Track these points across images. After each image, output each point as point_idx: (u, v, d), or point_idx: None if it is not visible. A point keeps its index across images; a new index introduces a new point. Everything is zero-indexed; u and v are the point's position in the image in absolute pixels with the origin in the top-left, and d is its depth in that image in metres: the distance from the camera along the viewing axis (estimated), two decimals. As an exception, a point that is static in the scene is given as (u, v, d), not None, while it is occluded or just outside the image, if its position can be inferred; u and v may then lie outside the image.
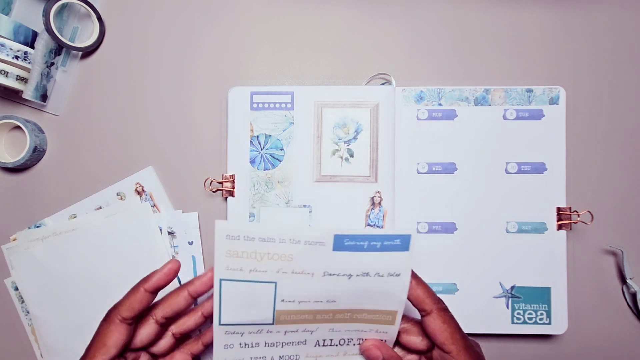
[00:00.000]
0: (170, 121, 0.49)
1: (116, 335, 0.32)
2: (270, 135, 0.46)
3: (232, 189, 0.46)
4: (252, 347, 0.34)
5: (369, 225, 0.46)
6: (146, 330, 0.33)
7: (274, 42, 0.49)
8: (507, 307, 0.45)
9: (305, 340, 0.34)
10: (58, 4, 0.45)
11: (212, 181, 0.47)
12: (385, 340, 0.35)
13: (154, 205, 0.48)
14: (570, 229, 0.45)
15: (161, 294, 0.35)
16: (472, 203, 0.45)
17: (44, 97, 0.47)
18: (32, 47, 0.46)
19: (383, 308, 0.33)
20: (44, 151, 0.49)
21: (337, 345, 0.35)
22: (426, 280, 0.33)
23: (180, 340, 0.37)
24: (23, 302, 0.48)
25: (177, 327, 0.35)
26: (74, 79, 0.49)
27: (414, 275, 0.34)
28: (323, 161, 0.46)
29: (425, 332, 0.34)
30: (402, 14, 0.49)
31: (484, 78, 0.48)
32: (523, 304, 0.45)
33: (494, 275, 0.45)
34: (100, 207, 0.48)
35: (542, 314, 0.44)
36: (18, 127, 0.47)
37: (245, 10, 0.49)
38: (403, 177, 0.45)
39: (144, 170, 0.48)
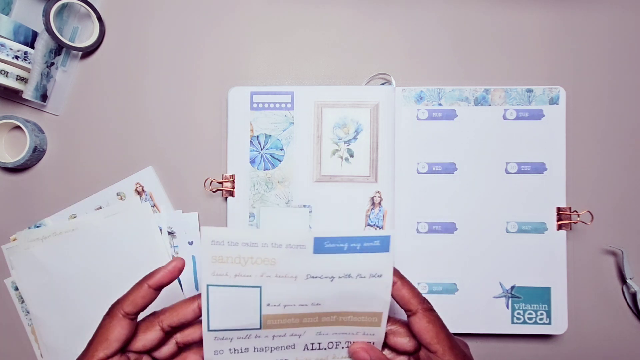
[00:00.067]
0: (170, 121, 0.49)
1: (119, 330, 0.32)
2: (270, 135, 0.46)
3: (232, 189, 0.46)
4: (241, 352, 0.34)
5: (369, 225, 0.46)
6: (151, 336, 0.34)
7: (274, 42, 0.49)
8: (507, 307, 0.45)
9: (294, 345, 0.35)
10: (58, 4, 0.45)
11: (212, 181, 0.47)
12: (373, 343, 0.35)
13: (154, 205, 0.48)
14: (570, 229, 0.45)
15: (164, 294, 0.35)
16: (472, 203, 0.45)
17: (44, 97, 0.47)
18: (32, 47, 0.46)
19: (368, 310, 0.33)
20: (44, 151, 0.49)
21: (325, 348, 0.35)
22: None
23: (183, 348, 0.37)
24: (23, 302, 0.48)
25: (182, 337, 0.35)
26: (74, 79, 0.49)
27: (399, 276, 0.34)
28: (323, 161, 0.46)
29: (412, 333, 0.34)
30: (402, 14, 0.49)
31: (484, 78, 0.48)
32: (523, 304, 0.45)
33: (494, 275, 0.45)
34: (100, 207, 0.48)
35: (542, 314, 0.44)
36: (18, 127, 0.47)
37: (245, 10, 0.49)
38: (403, 177, 0.45)
39: (144, 170, 0.48)
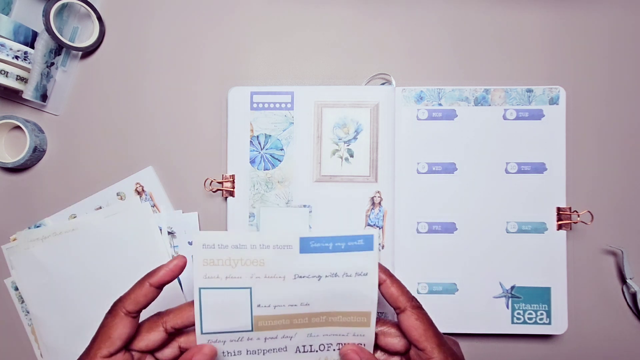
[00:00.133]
0: (170, 121, 0.49)
1: (121, 328, 0.32)
2: (270, 135, 0.46)
3: (232, 189, 0.46)
4: (234, 355, 0.35)
5: (369, 225, 0.46)
6: (154, 336, 0.34)
7: (274, 42, 0.49)
8: (507, 307, 0.45)
9: (286, 347, 0.35)
10: (58, 4, 0.45)
11: (212, 181, 0.47)
12: (364, 345, 0.35)
13: (154, 205, 0.48)
14: (570, 229, 0.45)
15: (163, 293, 0.35)
16: (472, 203, 0.45)
17: (44, 97, 0.47)
18: (32, 47, 0.46)
19: (356, 309, 0.34)
20: (44, 151, 0.49)
21: (317, 351, 0.36)
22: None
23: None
24: (23, 302, 0.48)
25: (185, 342, 0.35)
26: (74, 79, 0.49)
27: (388, 274, 0.34)
28: (323, 161, 0.46)
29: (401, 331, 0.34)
30: (402, 14, 0.49)
31: (484, 78, 0.48)
32: (523, 304, 0.45)
33: (494, 275, 0.45)
34: (100, 207, 0.48)
35: (542, 314, 0.44)
36: (18, 127, 0.47)
37: (245, 10, 0.49)
38: (403, 177, 0.45)
39: (144, 170, 0.48)
